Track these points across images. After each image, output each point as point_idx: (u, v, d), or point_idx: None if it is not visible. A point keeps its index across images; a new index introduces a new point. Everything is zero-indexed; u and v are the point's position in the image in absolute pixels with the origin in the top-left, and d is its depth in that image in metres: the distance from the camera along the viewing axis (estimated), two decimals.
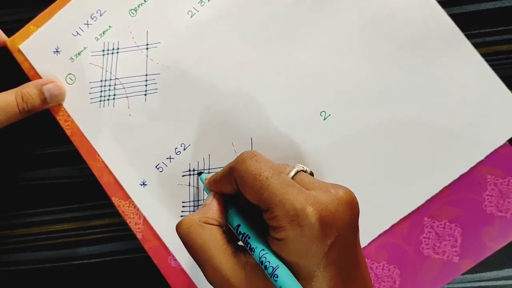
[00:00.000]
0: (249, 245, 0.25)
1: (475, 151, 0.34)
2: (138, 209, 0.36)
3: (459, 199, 0.34)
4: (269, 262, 0.23)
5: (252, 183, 0.25)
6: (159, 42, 0.37)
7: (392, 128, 0.35)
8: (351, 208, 0.25)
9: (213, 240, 0.25)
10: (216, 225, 0.27)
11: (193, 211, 0.35)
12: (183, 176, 0.36)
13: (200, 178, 0.33)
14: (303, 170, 0.27)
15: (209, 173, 0.36)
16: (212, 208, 0.28)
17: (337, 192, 0.25)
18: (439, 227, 0.34)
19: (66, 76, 0.37)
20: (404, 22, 0.35)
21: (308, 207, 0.23)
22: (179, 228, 0.26)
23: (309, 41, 0.36)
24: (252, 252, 0.25)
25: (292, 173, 0.26)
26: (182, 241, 0.26)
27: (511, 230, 0.34)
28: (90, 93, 0.37)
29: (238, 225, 0.26)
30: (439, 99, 0.35)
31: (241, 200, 0.28)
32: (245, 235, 0.26)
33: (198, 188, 0.36)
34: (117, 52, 0.37)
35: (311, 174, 0.28)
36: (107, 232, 0.40)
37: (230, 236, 0.26)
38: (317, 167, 0.35)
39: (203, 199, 0.36)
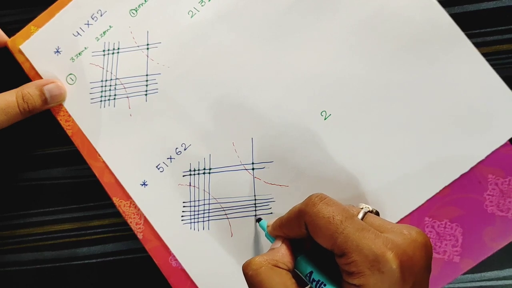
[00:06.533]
0: None
1: (476, 150, 0.34)
2: (138, 209, 0.36)
3: (460, 199, 0.34)
4: None
5: (326, 227, 0.24)
6: (160, 42, 0.37)
7: (392, 128, 0.35)
8: (427, 251, 0.25)
9: (283, 285, 0.25)
10: (285, 269, 0.26)
11: (194, 211, 0.35)
12: (183, 176, 0.36)
13: (260, 225, 0.33)
14: (370, 211, 0.27)
15: (210, 173, 0.36)
16: (281, 252, 0.27)
17: (411, 235, 0.24)
18: (440, 226, 0.34)
19: (67, 76, 0.37)
20: (405, 22, 0.35)
21: (388, 252, 0.23)
22: (247, 269, 0.26)
23: (310, 41, 0.36)
24: None
25: (361, 214, 0.26)
26: (248, 282, 0.26)
27: None
28: (90, 93, 0.37)
29: (311, 272, 0.26)
30: (440, 98, 0.35)
31: (307, 245, 0.28)
32: (319, 283, 0.25)
33: (199, 188, 0.36)
34: (118, 52, 0.37)
35: (377, 213, 0.28)
36: (108, 232, 0.40)
37: (298, 281, 0.26)
38: (317, 168, 0.35)
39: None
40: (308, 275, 0.26)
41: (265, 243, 0.35)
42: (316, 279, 0.26)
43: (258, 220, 0.34)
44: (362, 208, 0.27)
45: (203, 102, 0.36)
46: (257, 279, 0.25)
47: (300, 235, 0.27)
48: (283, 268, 0.26)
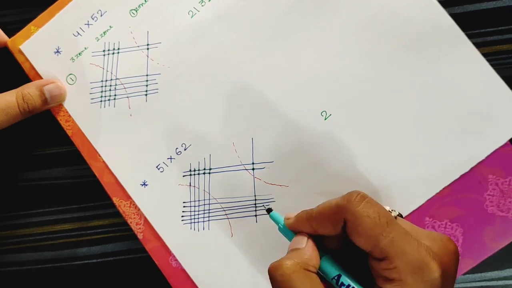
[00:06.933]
0: None
1: (476, 150, 0.34)
2: (139, 210, 0.36)
3: (460, 199, 0.34)
4: None
5: (370, 227, 0.23)
6: (160, 42, 0.37)
7: (392, 128, 0.35)
8: (456, 258, 0.24)
9: None
10: (315, 272, 0.24)
11: (194, 211, 0.35)
12: (183, 176, 0.36)
13: (272, 216, 0.29)
14: (398, 215, 0.26)
15: (210, 173, 0.36)
16: (308, 253, 0.25)
17: (443, 242, 0.24)
18: (440, 227, 0.34)
19: (67, 77, 0.37)
20: (405, 22, 0.35)
21: (432, 261, 0.22)
22: (277, 272, 0.24)
23: (310, 41, 0.36)
24: None
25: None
26: (276, 286, 0.24)
27: None
28: (90, 93, 0.37)
29: (339, 275, 0.24)
30: (440, 98, 0.35)
31: (332, 244, 0.26)
32: (349, 287, 0.24)
33: (199, 188, 0.36)
34: (118, 52, 0.37)
35: (401, 216, 0.27)
36: (108, 233, 0.40)
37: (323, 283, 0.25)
38: (317, 168, 0.35)
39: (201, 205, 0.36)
40: (336, 278, 0.25)
41: (267, 243, 0.34)
42: (346, 283, 0.24)
43: (269, 210, 0.30)
44: (392, 210, 0.26)
45: (203, 102, 0.36)
46: (289, 284, 0.23)
47: (333, 232, 0.25)
48: (312, 272, 0.24)
